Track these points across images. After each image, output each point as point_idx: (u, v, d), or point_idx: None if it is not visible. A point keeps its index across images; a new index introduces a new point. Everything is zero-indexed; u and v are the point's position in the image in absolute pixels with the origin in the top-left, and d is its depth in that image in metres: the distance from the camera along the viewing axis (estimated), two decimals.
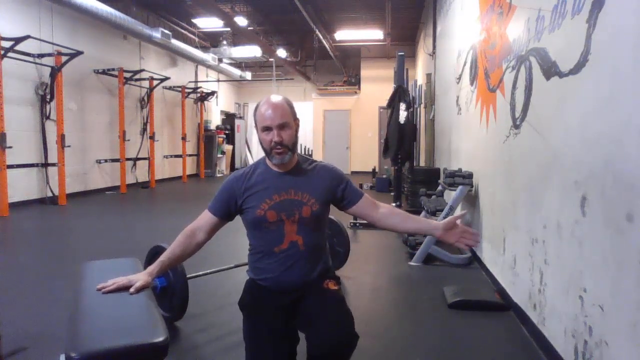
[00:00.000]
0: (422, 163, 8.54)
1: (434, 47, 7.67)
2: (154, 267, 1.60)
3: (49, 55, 6.98)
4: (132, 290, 1.49)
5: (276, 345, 1.58)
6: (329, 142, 14.61)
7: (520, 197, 2.74)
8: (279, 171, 1.70)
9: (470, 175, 4.05)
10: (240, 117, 15.57)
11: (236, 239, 4.75)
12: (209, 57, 11.20)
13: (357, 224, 5.55)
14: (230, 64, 13.07)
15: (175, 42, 9.65)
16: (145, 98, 9.93)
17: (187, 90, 11.69)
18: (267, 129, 1.63)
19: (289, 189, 1.68)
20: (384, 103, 6.84)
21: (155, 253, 2.64)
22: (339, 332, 1.53)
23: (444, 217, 3.99)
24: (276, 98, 1.68)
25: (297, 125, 1.72)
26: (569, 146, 2.02)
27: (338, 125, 14.47)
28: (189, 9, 9.82)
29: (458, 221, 1.70)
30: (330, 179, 1.76)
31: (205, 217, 1.73)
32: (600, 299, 1.70)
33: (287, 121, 1.64)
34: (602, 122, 1.72)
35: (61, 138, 7.06)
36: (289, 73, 13.55)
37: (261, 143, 1.67)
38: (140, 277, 1.53)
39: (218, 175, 13.09)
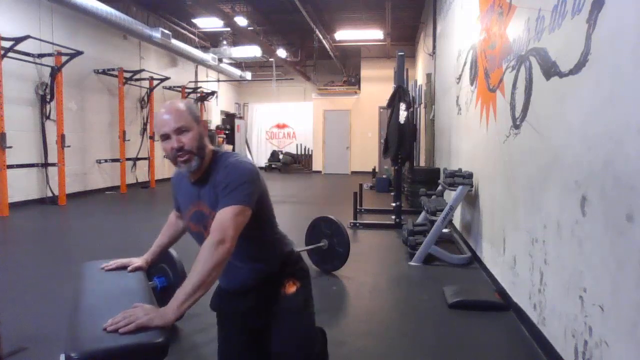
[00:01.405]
0: (422, 163, 8.54)
1: (434, 47, 7.67)
2: (147, 255, 1.80)
3: (49, 55, 6.98)
4: (129, 269, 1.71)
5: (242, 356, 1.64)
6: (329, 142, 14.60)
7: (520, 197, 2.74)
8: (190, 180, 1.60)
9: (470, 175, 4.05)
10: (240, 117, 15.58)
11: None
12: (209, 57, 11.21)
13: (357, 224, 5.55)
14: (230, 64, 13.07)
15: (175, 42, 9.65)
16: (145, 98, 9.93)
17: (187, 90, 11.69)
18: (165, 136, 1.51)
19: (198, 201, 1.58)
20: (384, 103, 6.84)
21: None
22: (293, 354, 1.60)
23: (444, 217, 3.99)
24: (173, 103, 1.55)
25: (204, 128, 1.57)
26: (569, 146, 2.02)
27: (338, 125, 14.46)
28: (189, 9, 9.82)
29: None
30: (221, 182, 1.49)
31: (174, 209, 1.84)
32: (600, 299, 1.69)
33: (185, 124, 1.50)
34: (602, 122, 1.72)
35: (61, 138, 7.06)
36: (289, 73, 13.55)
37: (166, 155, 1.55)
38: (138, 261, 1.74)
39: None
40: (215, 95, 13.18)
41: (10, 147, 6.10)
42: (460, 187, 3.99)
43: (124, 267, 1.73)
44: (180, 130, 1.50)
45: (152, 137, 9.78)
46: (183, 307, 1.34)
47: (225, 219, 1.42)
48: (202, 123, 1.57)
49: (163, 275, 2.53)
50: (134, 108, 9.76)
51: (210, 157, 1.57)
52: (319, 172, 14.53)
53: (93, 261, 1.96)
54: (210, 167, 1.56)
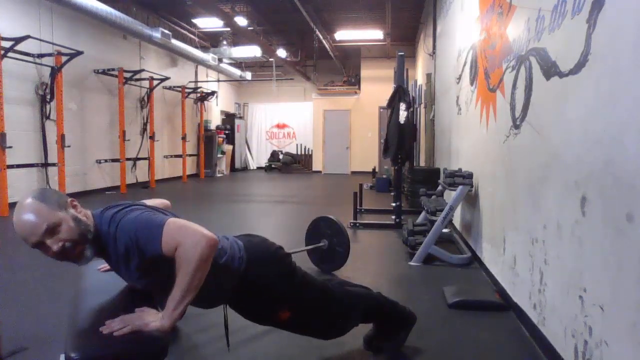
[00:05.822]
0: (422, 163, 8.54)
1: (434, 47, 7.67)
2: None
3: (49, 55, 6.98)
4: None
5: None
6: (329, 142, 14.61)
7: (520, 197, 2.74)
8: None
9: (470, 175, 4.05)
10: (240, 117, 15.57)
11: None
12: (209, 57, 11.20)
13: (357, 224, 5.55)
14: (230, 64, 13.07)
15: (175, 42, 9.65)
16: (145, 98, 9.93)
17: (187, 90, 11.69)
18: (38, 245, 1.31)
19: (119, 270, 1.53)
20: (384, 103, 6.84)
21: None
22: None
23: (444, 217, 3.99)
24: (23, 205, 1.30)
25: (73, 206, 1.39)
26: (569, 146, 2.02)
27: (338, 125, 14.46)
28: (189, 9, 9.81)
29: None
30: (129, 247, 1.40)
31: None
32: (600, 299, 1.69)
33: (51, 222, 1.29)
34: (602, 122, 1.72)
35: (61, 138, 7.06)
36: (289, 73, 13.55)
37: None
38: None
39: (218, 175, 13.09)
40: (215, 95, 13.18)
41: (10, 147, 6.10)
42: (460, 187, 3.99)
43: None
44: (50, 231, 1.29)
45: (152, 137, 9.78)
46: (176, 314, 1.34)
47: (178, 229, 1.39)
48: (68, 204, 1.38)
49: None
50: (134, 108, 9.76)
51: (95, 228, 1.41)
52: (319, 172, 14.53)
53: (92, 261, 1.96)
54: (103, 238, 1.42)
